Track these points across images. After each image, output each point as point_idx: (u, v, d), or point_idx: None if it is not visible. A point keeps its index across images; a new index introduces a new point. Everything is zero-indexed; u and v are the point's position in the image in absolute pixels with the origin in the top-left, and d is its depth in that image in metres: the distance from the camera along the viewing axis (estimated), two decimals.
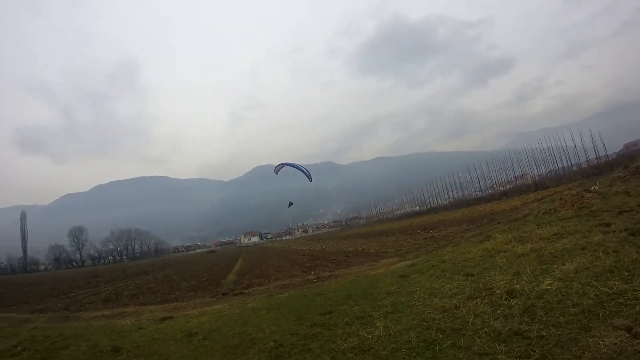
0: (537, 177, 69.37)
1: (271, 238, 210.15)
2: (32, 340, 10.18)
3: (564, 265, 7.38)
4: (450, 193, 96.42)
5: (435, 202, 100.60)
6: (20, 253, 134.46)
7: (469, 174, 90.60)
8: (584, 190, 18.53)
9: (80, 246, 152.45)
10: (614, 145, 68.42)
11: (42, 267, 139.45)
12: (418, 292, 8.45)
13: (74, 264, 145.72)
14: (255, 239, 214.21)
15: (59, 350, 8.85)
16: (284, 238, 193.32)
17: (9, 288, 38.65)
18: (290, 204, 21.39)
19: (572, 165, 63.18)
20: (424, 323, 6.25)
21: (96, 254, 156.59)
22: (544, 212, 18.25)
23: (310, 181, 21.55)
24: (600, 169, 46.89)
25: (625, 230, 8.99)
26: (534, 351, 4.34)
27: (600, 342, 4.14)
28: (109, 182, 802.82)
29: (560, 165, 65.97)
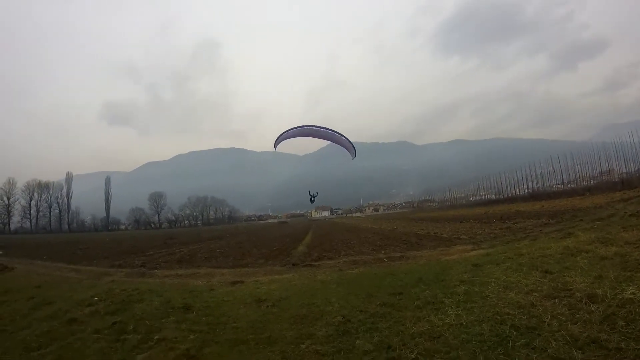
0: (624, 175, 64.33)
1: (341, 214, 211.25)
2: (109, 292, 10.92)
3: None
4: (530, 183, 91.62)
5: (513, 191, 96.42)
6: (103, 214, 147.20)
7: (552, 165, 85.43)
8: None
9: (159, 210, 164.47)
10: None
11: (122, 227, 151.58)
12: (492, 283, 8.29)
13: (152, 225, 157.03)
14: (326, 213, 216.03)
15: (133, 303, 9.45)
16: (354, 215, 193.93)
17: (91, 244, 41.69)
18: (313, 196, 19.31)
19: None
20: (498, 317, 6.14)
21: (173, 218, 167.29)
22: (630, 214, 17.15)
23: (354, 157, 17.61)
24: None
25: None
26: None
27: None
28: (189, 153, 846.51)
29: None
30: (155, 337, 6.64)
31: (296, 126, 16.34)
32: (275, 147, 16.68)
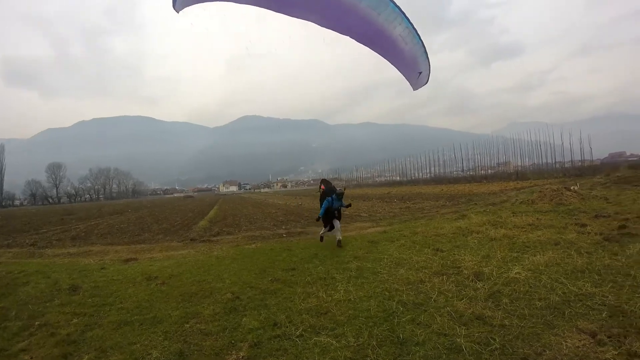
0: (519, 168, 70.43)
1: (250, 189, 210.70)
2: None
3: (535, 256, 7.42)
4: (433, 168, 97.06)
5: (417, 175, 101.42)
6: None
7: (454, 153, 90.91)
8: (564, 187, 18.75)
9: (58, 183, 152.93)
10: (601, 152, 70.02)
11: (17, 203, 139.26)
12: (385, 260, 8.41)
13: (50, 200, 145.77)
14: (234, 188, 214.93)
15: (19, 286, 8.67)
16: (262, 190, 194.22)
17: None
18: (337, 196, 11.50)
19: (555, 163, 65.06)
20: (386, 293, 6.17)
21: (73, 192, 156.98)
22: (521, 202, 18.47)
23: (426, 81, 10.35)
24: (583, 172, 48.45)
25: (601, 234, 9.11)
26: (494, 339, 4.21)
27: (563, 343, 4.02)
28: (92, 119, 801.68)
29: (544, 160, 68.08)
30: (36, 323, 6.08)
31: None
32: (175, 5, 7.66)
